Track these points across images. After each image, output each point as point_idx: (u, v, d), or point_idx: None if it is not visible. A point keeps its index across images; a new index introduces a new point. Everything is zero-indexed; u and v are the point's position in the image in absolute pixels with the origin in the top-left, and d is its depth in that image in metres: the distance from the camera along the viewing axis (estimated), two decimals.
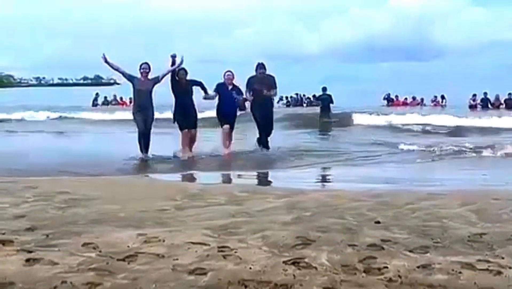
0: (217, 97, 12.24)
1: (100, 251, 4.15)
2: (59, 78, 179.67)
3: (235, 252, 4.09)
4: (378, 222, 5.24)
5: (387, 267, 3.72)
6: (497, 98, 31.86)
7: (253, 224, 5.12)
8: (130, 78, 11.87)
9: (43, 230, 4.93)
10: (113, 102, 40.28)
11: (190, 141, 11.93)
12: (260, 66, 12.45)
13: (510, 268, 3.71)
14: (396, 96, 37.66)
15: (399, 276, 3.52)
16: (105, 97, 41.62)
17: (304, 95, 39.34)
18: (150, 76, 11.79)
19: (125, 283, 3.42)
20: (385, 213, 5.70)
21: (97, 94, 40.98)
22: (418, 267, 3.73)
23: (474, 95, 32.89)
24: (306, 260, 3.88)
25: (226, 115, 12.16)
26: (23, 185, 7.81)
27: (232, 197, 6.67)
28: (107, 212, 5.93)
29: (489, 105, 31.72)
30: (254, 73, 12.53)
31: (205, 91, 12.12)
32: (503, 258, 3.96)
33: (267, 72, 12.53)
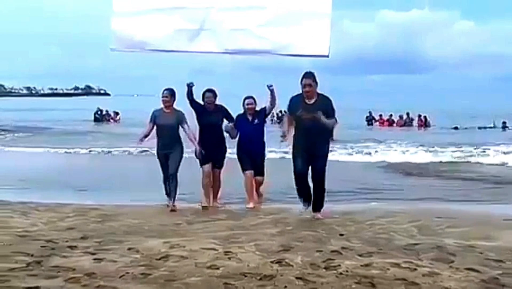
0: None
1: (142, 254, 5.92)
2: (50, 88, 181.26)
3: (237, 255, 5.87)
4: (342, 234, 7.03)
5: (340, 266, 5.50)
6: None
7: (248, 235, 6.90)
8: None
9: (93, 239, 6.69)
10: (107, 118, 41.28)
11: (213, 183, 9.39)
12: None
13: (423, 267, 5.48)
14: (380, 115, 39.03)
15: (347, 271, 5.31)
16: (101, 111, 42.35)
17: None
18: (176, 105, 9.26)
19: (166, 273, 5.19)
20: (349, 227, 7.49)
21: (98, 108, 41.74)
22: (361, 265, 5.52)
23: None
24: (286, 260, 5.66)
25: (249, 156, 9.28)
26: (58, 202, 9.57)
27: (231, 214, 8.45)
28: (134, 225, 7.70)
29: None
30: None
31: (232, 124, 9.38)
32: (422, 260, 5.75)
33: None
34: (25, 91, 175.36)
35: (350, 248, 6.27)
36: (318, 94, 7.74)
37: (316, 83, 7.59)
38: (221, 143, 9.36)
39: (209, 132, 9.19)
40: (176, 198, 9.08)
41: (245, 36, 3.55)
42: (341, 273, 5.27)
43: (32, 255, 5.83)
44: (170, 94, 9.12)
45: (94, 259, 5.70)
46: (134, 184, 12.21)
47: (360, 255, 5.95)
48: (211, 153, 9.16)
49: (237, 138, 9.45)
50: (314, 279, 5.09)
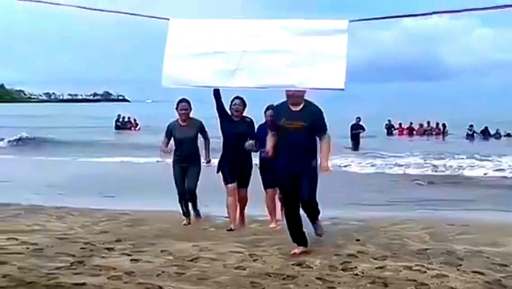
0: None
1: (174, 255, 6.47)
2: (69, 94, 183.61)
3: (261, 258, 6.39)
4: (358, 240, 7.51)
5: (356, 267, 6.00)
6: None
7: (271, 240, 7.41)
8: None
9: (127, 241, 7.25)
10: (128, 124, 41.64)
11: (239, 201, 8.57)
12: None
13: (433, 269, 5.96)
14: (400, 123, 39.31)
15: (362, 272, 5.81)
16: (122, 118, 42.45)
17: None
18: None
19: (198, 273, 5.73)
20: (365, 233, 7.97)
21: (119, 115, 42.29)
22: (376, 267, 6.01)
23: (471, 126, 35.07)
24: (306, 263, 6.17)
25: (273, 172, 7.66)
26: (89, 207, 10.16)
27: (253, 220, 8.96)
28: (164, 229, 8.25)
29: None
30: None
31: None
32: (432, 264, 6.23)
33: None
34: (44, 97, 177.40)
35: (366, 252, 6.75)
36: (306, 101, 6.40)
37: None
38: (247, 158, 8.40)
39: (234, 145, 8.16)
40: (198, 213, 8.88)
41: (274, 74, 4.09)
42: (356, 274, 5.78)
43: (74, 256, 6.40)
44: (188, 105, 8.52)
45: (131, 259, 6.26)
46: (159, 191, 12.73)
47: (375, 259, 6.44)
48: (235, 169, 8.29)
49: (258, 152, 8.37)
50: (332, 279, 5.60)
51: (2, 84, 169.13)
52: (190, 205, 8.75)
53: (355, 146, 27.45)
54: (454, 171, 17.73)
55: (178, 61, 4.11)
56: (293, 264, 6.14)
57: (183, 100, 8.49)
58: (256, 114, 8.53)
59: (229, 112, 8.28)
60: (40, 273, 5.67)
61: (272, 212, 8.57)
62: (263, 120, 8.43)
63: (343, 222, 8.87)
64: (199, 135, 8.71)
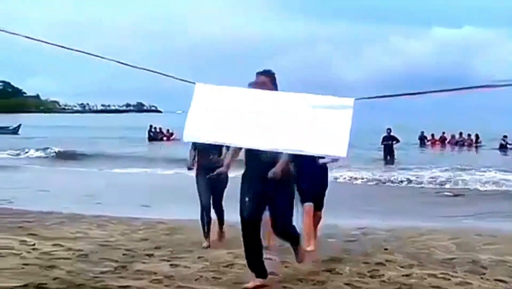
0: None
1: (210, 262, 6.84)
2: (102, 105, 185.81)
3: (292, 264, 6.72)
4: (386, 249, 7.81)
5: (384, 275, 6.31)
6: None
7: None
8: None
9: (166, 248, 7.65)
10: (161, 135, 42.16)
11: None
12: None
13: (457, 277, 6.24)
14: (432, 134, 39.36)
15: (389, 279, 6.12)
16: (154, 128, 43.02)
17: None
18: None
19: (233, 278, 6.11)
20: (393, 243, 8.26)
21: (151, 126, 42.98)
22: (402, 275, 6.31)
23: (505, 136, 34.92)
24: (336, 269, 6.50)
25: (310, 185, 7.58)
26: (127, 216, 10.62)
27: None
28: (199, 237, 8.61)
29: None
30: None
31: None
32: (457, 272, 6.50)
33: None
34: (78, 108, 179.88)
35: (393, 261, 7.04)
36: None
37: (275, 86, 5.82)
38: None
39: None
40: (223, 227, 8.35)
41: (284, 139, 4.52)
42: (384, 281, 6.10)
43: (117, 261, 6.82)
44: None
45: (170, 265, 6.66)
46: (193, 201, 13.17)
47: (401, 267, 6.74)
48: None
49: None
50: (360, 285, 5.93)
51: (37, 94, 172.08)
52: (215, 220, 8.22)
53: (388, 157, 27.51)
54: (483, 185, 17.89)
55: (200, 119, 4.55)
56: (323, 270, 6.48)
57: None
58: None
59: None
60: (87, 276, 6.10)
61: (309, 231, 7.69)
62: None
63: (372, 232, 9.17)
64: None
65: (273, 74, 5.89)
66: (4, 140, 38.68)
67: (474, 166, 22.13)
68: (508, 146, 34.21)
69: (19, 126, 60.21)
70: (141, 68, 4.98)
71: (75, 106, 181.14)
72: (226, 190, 8.08)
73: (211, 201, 8.14)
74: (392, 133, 28.56)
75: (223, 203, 8.21)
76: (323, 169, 7.83)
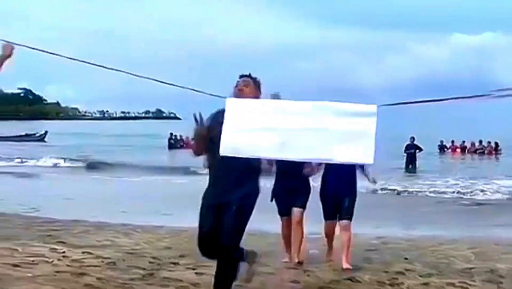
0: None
1: None
2: (122, 112, 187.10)
3: (314, 273, 6.93)
4: (406, 258, 7.98)
5: (403, 283, 6.50)
6: None
7: (323, 257, 7.94)
8: None
9: (190, 257, 7.86)
10: (181, 143, 41.78)
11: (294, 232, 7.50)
12: None
13: (474, 286, 6.43)
14: (452, 141, 39.31)
15: (408, 288, 6.31)
16: (175, 136, 43.12)
17: None
18: None
19: (257, 286, 6.32)
20: (412, 252, 8.43)
21: (171, 134, 43.35)
22: (421, 284, 6.49)
23: None
24: (356, 278, 6.69)
25: (335, 197, 7.47)
26: (153, 224, 10.89)
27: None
28: None
29: None
30: None
31: None
32: (475, 281, 6.67)
33: None
34: (98, 115, 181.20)
35: (413, 270, 7.22)
36: None
37: (259, 90, 5.51)
38: (305, 183, 7.52)
39: (290, 171, 7.21)
40: None
41: (313, 149, 4.74)
42: None
43: (144, 269, 7.06)
44: None
45: (196, 273, 6.88)
46: None
47: (421, 276, 6.92)
48: (290, 197, 7.42)
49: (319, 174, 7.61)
50: None
51: (57, 101, 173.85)
52: None
53: (410, 166, 27.53)
54: (503, 195, 17.98)
55: (234, 134, 4.79)
56: (344, 279, 6.68)
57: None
58: None
59: None
60: (117, 283, 6.34)
61: (330, 244, 7.90)
62: None
63: (393, 241, 9.34)
64: None
65: (255, 78, 5.65)
66: (32, 148, 39.41)
67: (494, 174, 22.19)
68: None
69: (45, 133, 60.84)
70: (171, 84, 5.23)
71: (95, 113, 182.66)
72: None
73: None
74: (415, 142, 28.61)
75: None
76: (349, 174, 7.36)
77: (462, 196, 18.03)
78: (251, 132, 4.76)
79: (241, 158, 4.84)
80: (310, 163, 6.89)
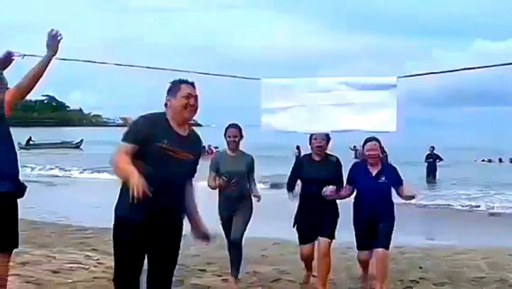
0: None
1: (258, 278, 7.53)
2: None
3: (332, 280, 7.36)
4: (421, 267, 8.39)
5: None
6: None
7: (340, 264, 8.38)
8: None
9: (216, 264, 8.35)
10: (204, 151, 42.73)
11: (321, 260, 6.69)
12: None
13: None
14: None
15: None
16: None
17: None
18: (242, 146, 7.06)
19: None
20: (428, 262, 8.83)
21: None
22: None
23: None
24: (372, 286, 7.10)
25: (370, 226, 6.63)
26: None
27: None
28: (247, 254, 9.32)
29: None
30: None
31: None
32: None
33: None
34: (120, 122, 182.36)
35: (427, 279, 7.65)
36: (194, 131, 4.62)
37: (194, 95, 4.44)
38: (332, 205, 6.73)
39: (317, 191, 6.53)
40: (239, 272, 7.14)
41: (341, 121, 5.23)
42: None
43: (174, 276, 7.53)
44: (239, 131, 6.93)
45: (222, 279, 7.35)
46: None
47: (434, 284, 7.34)
48: (316, 223, 6.66)
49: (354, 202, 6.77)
50: None
51: (80, 108, 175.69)
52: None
53: (431, 176, 27.81)
54: None
55: (271, 112, 5.35)
56: (360, 287, 7.11)
57: (232, 125, 6.97)
58: None
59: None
60: None
61: (364, 281, 7.17)
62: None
63: (409, 251, 9.74)
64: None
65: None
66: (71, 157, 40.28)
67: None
68: None
69: (81, 141, 61.27)
70: (200, 73, 5.67)
71: (117, 120, 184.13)
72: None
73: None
74: (435, 151, 28.87)
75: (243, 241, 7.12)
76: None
77: (476, 206, 18.38)
78: (284, 110, 5.30)
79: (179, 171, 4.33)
80: (330, 186, 6.40)
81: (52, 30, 5.16)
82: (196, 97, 4.42)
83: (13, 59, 5.30)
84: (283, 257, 9.10)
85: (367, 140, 6.52)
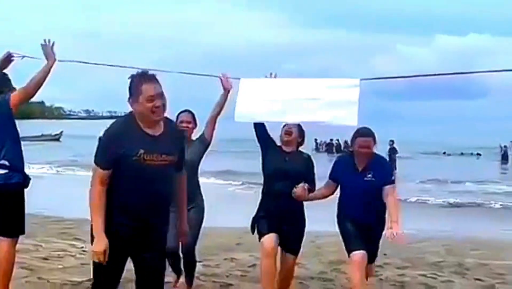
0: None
1: (236, 263, 8.10)
2: (108, 111, 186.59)
3: (305, 265, 7.96)
4: (385, 254, 9.00)
5: (382, 274, 7.58)
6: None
7: (313, 251, 8.99)
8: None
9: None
10: None
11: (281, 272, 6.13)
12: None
13: (443, 276, 7.53)
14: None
15: (386, 278, 7.43)
16: None
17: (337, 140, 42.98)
18: (194, 135, 6.26)
19: (257, 276, 7.29)
20: (392, 249, 9.48)
21: None
22: (397, 275, 7.60)
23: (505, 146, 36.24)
24: (341, 270, 7.74)
25: (360, 229, 5.73)
26: None
27: None
28: (223, 242, 9.86)
29: None
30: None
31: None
32: (444, 272, 7.77)
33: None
34: (83, 114, 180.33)
35: (391, 264, 8.30)
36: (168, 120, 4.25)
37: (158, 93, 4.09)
38: (301, 211, 6.01)
39: (284, 189, 5.71)
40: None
41: (309, 114, 5.86)
42: (381, 279, 7.38)
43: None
44: (192, 117, 6.22)
45: (203, 265, 7.84)
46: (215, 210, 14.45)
47: (397, 268, 8.01)
48: (279, 223, 5.91)
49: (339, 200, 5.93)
50: None
51: (42, 101, 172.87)
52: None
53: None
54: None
55: (246, 104, 5.96)
56: (331, 270, 7.75)
57: (184, 111, 6.21)
58: None
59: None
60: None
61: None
62: None
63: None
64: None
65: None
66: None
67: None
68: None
69: (61, 133, 59.26)
70: (181, 73, 6.22)
71: (80, 113, 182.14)
72: None
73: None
74: (395, 145, 29.80)
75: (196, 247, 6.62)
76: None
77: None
78: (260, 103, 5.92)
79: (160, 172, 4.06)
80: (300, 183, 5.67)
81: (44, 41, 5.66)
82: (161, 94, 4.03)
83: (12, 60, 5.78)
84: (257, 245, 9.63)
85: (361, 135, 5.70)
